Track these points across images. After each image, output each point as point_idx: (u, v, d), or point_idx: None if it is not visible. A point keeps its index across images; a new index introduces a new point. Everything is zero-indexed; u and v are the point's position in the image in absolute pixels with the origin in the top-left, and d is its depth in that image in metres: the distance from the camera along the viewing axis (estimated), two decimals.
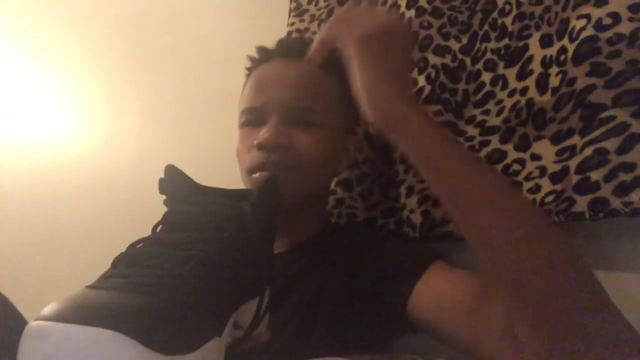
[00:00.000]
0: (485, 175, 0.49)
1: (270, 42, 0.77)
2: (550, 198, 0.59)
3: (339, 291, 0.62)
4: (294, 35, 1.00)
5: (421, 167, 0.51)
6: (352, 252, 0.66)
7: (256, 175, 0.67)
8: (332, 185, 0.81)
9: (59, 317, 0.31)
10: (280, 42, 0.75)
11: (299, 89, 0.68)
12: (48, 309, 0.32)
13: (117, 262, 0.40)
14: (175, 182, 0.46)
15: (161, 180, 0.47)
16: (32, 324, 0.32)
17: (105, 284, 0.36)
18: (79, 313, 0.31)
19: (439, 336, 0.54)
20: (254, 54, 0.76)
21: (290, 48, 0.73)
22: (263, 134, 0.65)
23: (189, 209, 0.44)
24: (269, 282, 0.47)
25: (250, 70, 0.76)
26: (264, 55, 0.74)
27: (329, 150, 0.69)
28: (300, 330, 0.60)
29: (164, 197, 0.46)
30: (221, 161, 0.91)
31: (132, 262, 0.39)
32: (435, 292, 0.56)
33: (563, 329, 0.40)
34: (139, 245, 0.41)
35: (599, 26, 0.58)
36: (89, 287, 0.36)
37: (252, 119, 0.70)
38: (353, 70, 0.54)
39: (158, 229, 0.44)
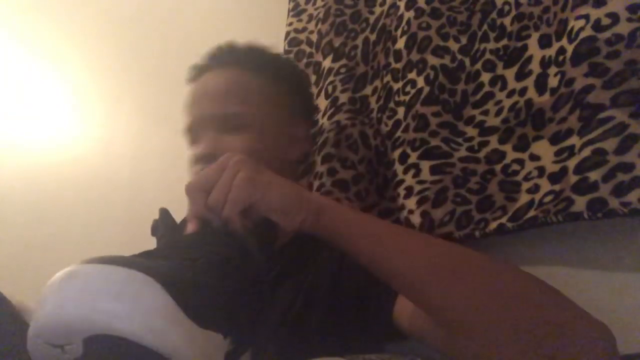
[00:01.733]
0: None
1: (269, 42, 0.77)
2: (548, 198, 0.59)
3: (324, 298, 0.62)
4: (292, 35, 1.00)
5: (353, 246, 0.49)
6: (335, 259, 0.66)
7: None
8: (328, 185, 0.81)
9: (89, 261, 0.32)
10: (209, 54, 0.77)
11: (224, 97, 0.70)
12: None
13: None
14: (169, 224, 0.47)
15: (155, 222, 0.47)
16: (61, 271, 0.32)
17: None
18: (110, 259, 0.32)
19: (430, 342, 0.54)
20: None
21: (217, 56, 0.75)
22: (197, 149, 0.69)
23: (189, 237, 0.45)
24: (252, 339, 0.45)
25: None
26: (196, 72, 0.76)
27: (262, 146, 0.70)
28: (287, 337, 0.59)
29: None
30: None
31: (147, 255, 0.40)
32: None
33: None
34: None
35: (598, 26, 0.58)
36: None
37: (191, 138, 0.73)
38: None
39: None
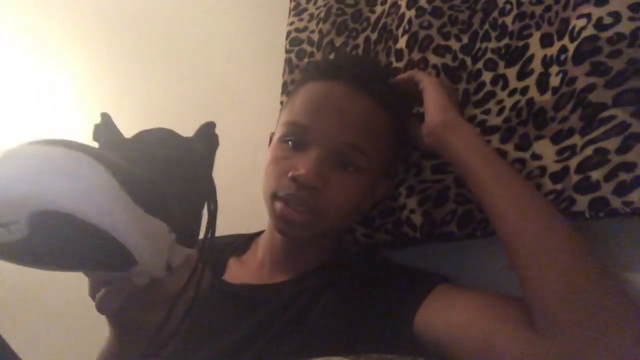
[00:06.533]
0: (519, 180, 0.58)
1: (269, 42, 0.76)
2: (550, 197, 0.59)
3: (347, 319, 0.62)
4: (293, 34, 1.00)
5: (471, 163, 0.60)
6: (359, 281, 0.67)
7: (278, 205, 0.64)
8: None
9: (29, 143, 0.32)
10: (347, 64, 0.71)
11: (354, 125, 0.64)
12: None
13: None
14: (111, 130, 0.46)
15: (97, 126, 0.46)
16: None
17: None
18: (52, 141, 0.32)
19: (449, 354, 0.55)
20: (261, 48, 0.74)
21: (357, 75, 0.68)
22: (301, 167, 0.62)
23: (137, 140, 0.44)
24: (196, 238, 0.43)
25: (306, 78, 0.71)
26: (328, 72, 0.69)
27: (360, 198, 0.68)
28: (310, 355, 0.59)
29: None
30: (221, 161, 0.90)
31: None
32: (443, 311, 0.57)
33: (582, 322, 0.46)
34: None
35: (600, 25, 0.58)
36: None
37: (295, 138, 0.66)
38: (426, 92, 0.68)
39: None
